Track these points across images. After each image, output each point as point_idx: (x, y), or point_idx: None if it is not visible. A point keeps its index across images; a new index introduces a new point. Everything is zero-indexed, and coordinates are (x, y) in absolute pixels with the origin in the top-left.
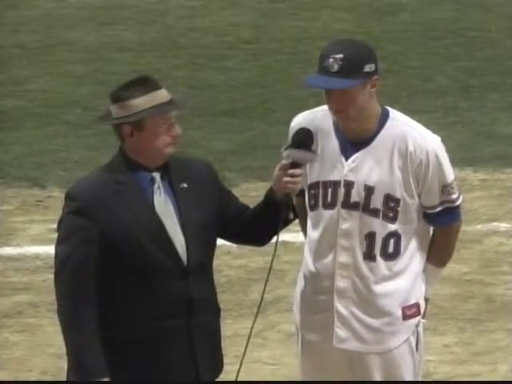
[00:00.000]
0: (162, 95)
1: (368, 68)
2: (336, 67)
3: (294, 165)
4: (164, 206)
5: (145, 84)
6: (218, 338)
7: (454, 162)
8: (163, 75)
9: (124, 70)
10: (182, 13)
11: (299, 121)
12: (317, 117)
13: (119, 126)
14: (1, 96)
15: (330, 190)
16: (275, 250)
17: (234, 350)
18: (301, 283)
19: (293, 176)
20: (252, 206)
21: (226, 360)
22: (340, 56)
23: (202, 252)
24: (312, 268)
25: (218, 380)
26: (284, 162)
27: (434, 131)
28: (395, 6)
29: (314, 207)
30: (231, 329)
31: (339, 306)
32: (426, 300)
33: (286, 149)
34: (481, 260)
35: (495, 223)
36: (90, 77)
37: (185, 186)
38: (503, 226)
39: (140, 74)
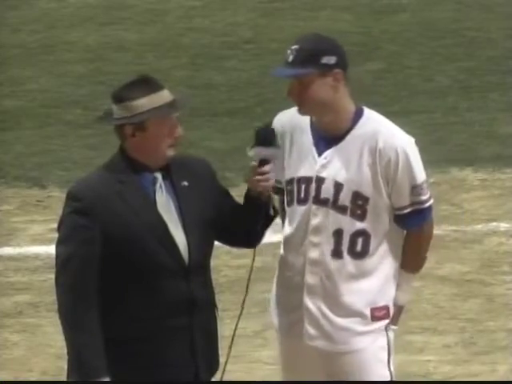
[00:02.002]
0: (165, 96)
1: (326, 60)
2: (291, 57)
3: (263, 162)
4: (166, 205)
5: (147, 85)
6: (216, 337)
7: (454, 162)
8: (163, 75)
9: (124, 70)
10: (182, 13)
11: (280, 117)
12: (296, 114)
13: (121, 126)
14: (1, 96)
15: (303, 186)
16: (254, 254)
17: (233, 349)
18: (275, 280)
19: (263, 173)
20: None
21: (225, 360)
22: (296, 47)
23: (202, 251)
24: (285, 264)
25: (218, 380)
26: (253, 163)
27: (434, 131)
28: (395, 6)
29: (289, 203)
30: (231, 329)
31: (308, 302)
32: (401, 307)
33: (250, 149)
34: (481, 260)
35: (495, 223)
36: (89, 77)
37: (186, 184)
38: (503, 225)
39: (142, 75)
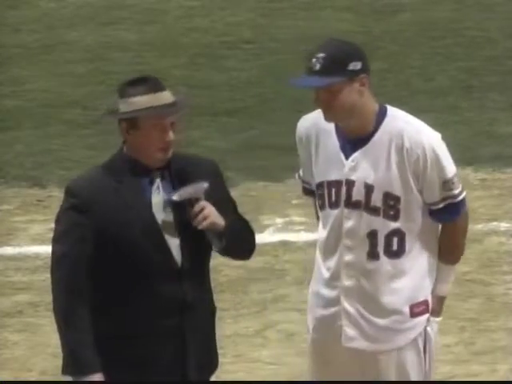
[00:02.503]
0: (164, 97)
1: (353, 66)
2: (318, 66)
3: (193, 201)
4: (162, 205)
5: (148, 84)
6: (212, 338)
7: (455, 162)
8: (163, 75)
9: (124, 70)
10: (182, 12)
11: (303, 122)
12: (320, 117)
13: (119, 122)
14: (1, 96)
15: (333, 190)
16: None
17: (233, 349)
18: (312, 283)
19: (197, 214)
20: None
21: (225, 360)
22: (322, 55)
23: (198, 253)
24: (321, 267)
25: (218, 380)
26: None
27: (435, 131)
28: (395, 5)
29: (322, 207)
30: (231, 328)
31: (346, 304)
32: (442, 298)
33: (174, 194)
34: (481, 260)
35: (495, 223)
36: (89, 76)
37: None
38: (503, 225)
39: (147, 74)
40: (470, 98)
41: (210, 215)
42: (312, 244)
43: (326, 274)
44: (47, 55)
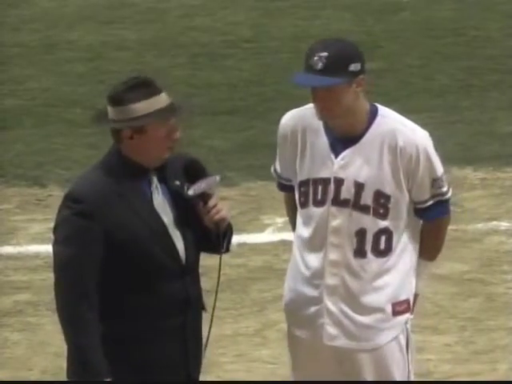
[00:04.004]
0: (163, 100)
1: (353, 67)
2: (320, 65)
3: (206, 197)
4: (162, 205)
5: (146, 88)
6: (202, 336)
7: (455, 161)
8: (163, 74)
9: (124, 69)
10: (182, 12)
11: (289, 119)
12: (306, 114)
13: (118, 128)
14: (1, 95)
15: (320, 188)
16: (220, 270)
17: (234, 349)
18: (289, 281)
19: (211, 209)
20: None
21: (226, 359)
22: (325, 54)
23: (196, 250)
24: (301, 265)
25: (218, 380)
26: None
27: (434, 130)
28: (395, 4)
29: (304, 205)
30: (231, 328)
31: (329, 303)
32: (416, 296)
33: (188, 190)
34: (481, 259)
35: (495, 222)
36: (90, 76)
37: (177, 183)
38: (503, 224)
39: (139, 77)
40: (470, 97)
41: (223, 210)
42: None
43: (307, 273)
44: (47, 54)
